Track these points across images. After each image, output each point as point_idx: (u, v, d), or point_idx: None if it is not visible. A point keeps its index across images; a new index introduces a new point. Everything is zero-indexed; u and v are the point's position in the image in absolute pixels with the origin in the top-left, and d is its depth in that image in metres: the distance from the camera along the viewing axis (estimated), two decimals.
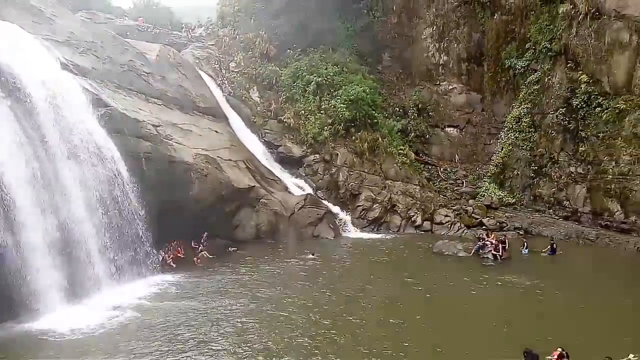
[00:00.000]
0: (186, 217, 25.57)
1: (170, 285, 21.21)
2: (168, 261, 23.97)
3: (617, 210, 30.29)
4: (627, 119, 29.64)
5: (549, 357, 12.73)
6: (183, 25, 45.87)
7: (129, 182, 22.31)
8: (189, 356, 13.93)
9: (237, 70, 39.00)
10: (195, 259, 25.00)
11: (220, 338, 15.23)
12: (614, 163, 30.41)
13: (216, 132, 31.13)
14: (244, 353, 14.17)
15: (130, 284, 20.61)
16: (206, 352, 14.23)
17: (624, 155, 29.77)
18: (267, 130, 36.76)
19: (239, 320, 16.84)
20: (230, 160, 30.03)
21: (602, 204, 31.19)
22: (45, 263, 17.30)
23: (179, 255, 24.83)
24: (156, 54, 32.29)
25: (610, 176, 30.50)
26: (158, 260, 23.36)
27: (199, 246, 26.09)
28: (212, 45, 40.96)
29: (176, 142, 26.86)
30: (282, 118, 36.99)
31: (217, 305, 18.28)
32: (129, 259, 21.32)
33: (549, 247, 27.69)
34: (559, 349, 12.76)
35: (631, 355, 12.77)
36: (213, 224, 27.81)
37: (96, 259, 19.64)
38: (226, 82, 37.48)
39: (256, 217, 29.94)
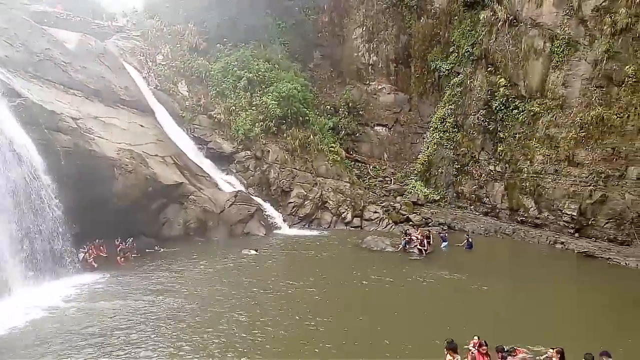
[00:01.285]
0: (110, 214, 24.38)
1: (92, 285, 20.18)
2: (89, 260, 22.80)
3: (532, 207, 32.39)
4: (540, 121, 31.73)
5: (466, 346, 13.39)
6: (104, 14, 43.60)
7: (45, 178, 21.00)
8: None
9: (164, 63, 37.72)
10: (118, 258, 23.93)
11: (149, 340, 14.59)
12: (528, 162, 32.48)
13: (141, 126, 29.98)
14: (176, 353, 13.77)
15: (47, 285, 19.39)
16: (133, 355, 13.65)
17: (537, 155, 31.86)
18: (197, 126, 35.88)
19: (165, 320, 16.30)
20: (156, 155, 29.06)
21: (518, 201, 33.24)
22: None
23: (101, 254, 23.66)
24: (76, 43, 30.62)
25: (525, 174, 32.58)
26: (78, 260, 22.18)
27: (122, 245, 25.03)
28: (138, 36, 39.33)
29: (98, 136, 25.62)
30: (212, 113, 36.25)
31: (142, 305, 17.58)
32: (45, 259, 20.03)
33: (465, 241, 29.11)
34: (476, 338, 13.46)
35: (542, 348, 13.73)
36: (138, 221, 26.80)
37: (8, 259, 18.30)
38: (152, 74, 36.13)
39: (184, 215, 29.18)
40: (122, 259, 24.06)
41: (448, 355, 11.36)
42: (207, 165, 34.12)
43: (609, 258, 26.11)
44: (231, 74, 37.97)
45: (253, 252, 26.09)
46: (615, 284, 21.92)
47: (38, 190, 20.46)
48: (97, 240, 24.00)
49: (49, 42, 27.99)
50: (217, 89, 37.73)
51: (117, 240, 25.04)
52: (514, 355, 11.91)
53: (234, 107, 36.88)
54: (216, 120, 36.15)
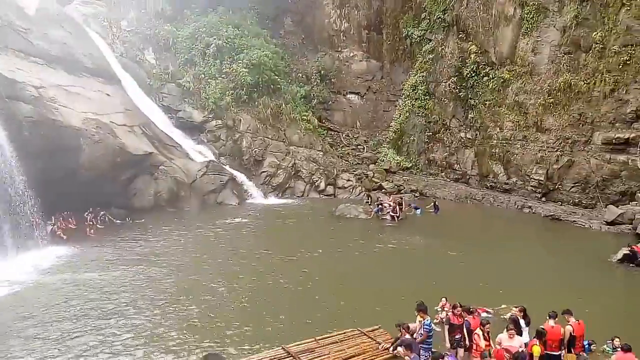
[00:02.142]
0: (78, 185, 23.88)
1: (61, 257, 19.85)
2: (58, 233, 22.35)
3: (501, 173, 33.02)
4: (510, 88, 32.05)
5: (437, 307, 13.80)
6: None
7: (8, 149, 20.33)
8: (96, 328, 13.21)
9: (129, 29, 36.42)
10: (87, 229, 23.52)
11: (131, 311, 14.40)
12: (498, 129, 32.94)
13: (108, 95, 29.08)
14: (160, 322, 13.73)
15: (15, 258, 18.97)
16: (118, 325, 13.52)
17: (507, 121, 32.31)
18: (165, 94, 35.01)
19: (146, 290, 16.18)
20: (124, 125, 28.34)
21: (488, 167, 33.82)
22: None
23: (70, 226, 23.22)
24: (35, 9, 29.21)
25: (495, 141, 33.07)
26: (46, 232, 21.74)
27: (91, 216, 24.60)
28: (101, 1, 37.76)
29: (62, 106, 24.81)
30: (181, 82, 35.38)
31: (119, 275, 17.38)
32: (12, 232, 19.57)
33: (432, 204, 29.93)
34: (444, 299, 13.89)
35: (504, 305, 14.29)
36: (108, 192, 26.30)
37: None
38: (117, 41, 34.89)
39: (155, 185, 28.77)
40: (92, 231, 23.67)
41: (418, 316, 11.63)
42: (177, 135, 33.51)
43: (573, 221, 27.00)
44: (199, 40, 37.02)
45: (237, 220, 26.40)
46: (579, 246, 22.70)
47: (2, 160, 19.83)
48: (65, 213, 23.53)
49: (6, 6, 26.66)
50: (186, 57, 36.79)
51: (88, 212, 24.60)
52: (478, 314, 12.31)
53: (203, 75, 36.10)
54: (185, 88, 35.35)
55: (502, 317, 13.53)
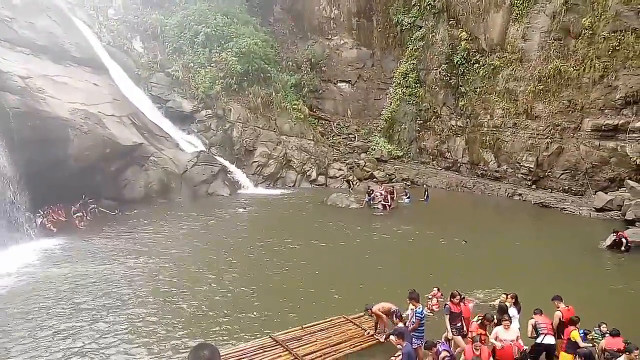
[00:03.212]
0: (67, 177, 23.64)
1: (52, 250, 19.65)
2: (48, 225, 22.15)
3: (491, 160, 33.13)
4: (500, 75, 32.05)
5: (428, 295, 13.87)
6: None
7: None
8: (90, 322, 13.15)
9: (116, 17, 35.97)
10: (77, 222, 23.32)
11: (132, 303, 14.31)
12: (488, 116, 32.98)
13: (95, 85, 28.71)
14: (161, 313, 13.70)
15: (4, 251, 18.76)
16: (117, 318, 13.47)
17: (497, 109, 32.36)
18: (154, 84, 34.60)
19: (144, 281, 16.10)
20: (113, 115, 28.01)
21: (478, 155, 33.90)
22: None
23: (59, 218, 23.02)
24: None
25: (486, 129, 33.13)
26: (36, 225, 21.54)
27: (81, 207, 24.40)
28: None
29: (49, 96, 24.45)
30: (170, 71, 34.97)
31: (106, 268, 17.25)
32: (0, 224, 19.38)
33: (424, 193, 30.14)
34: (435, 289, 13.97)
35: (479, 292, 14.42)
36: (98, 184, 26.12)
37: None
38: (105, 30, 34.40)
39: (146, 176, 28.55)
40: (82, 222, 23.50)
41: (410, 304, 11.67)
42: (167, 125, 33.17)
43: (563, 208, 27.16)
44: (188, 29, 36.60)
45: (241, 210, 26.75)
46: (569, 233, 22.86)
47: None
48: (55, 205, 23.29)
49: None
50: (174, 45, 36.40)
51: (79, 205, 24.36)
52: (466, 303, 12.37)
53: (192, 64, 35.75)
54: (174, 78, 34.98)
55: (490, 304, 13.61)
